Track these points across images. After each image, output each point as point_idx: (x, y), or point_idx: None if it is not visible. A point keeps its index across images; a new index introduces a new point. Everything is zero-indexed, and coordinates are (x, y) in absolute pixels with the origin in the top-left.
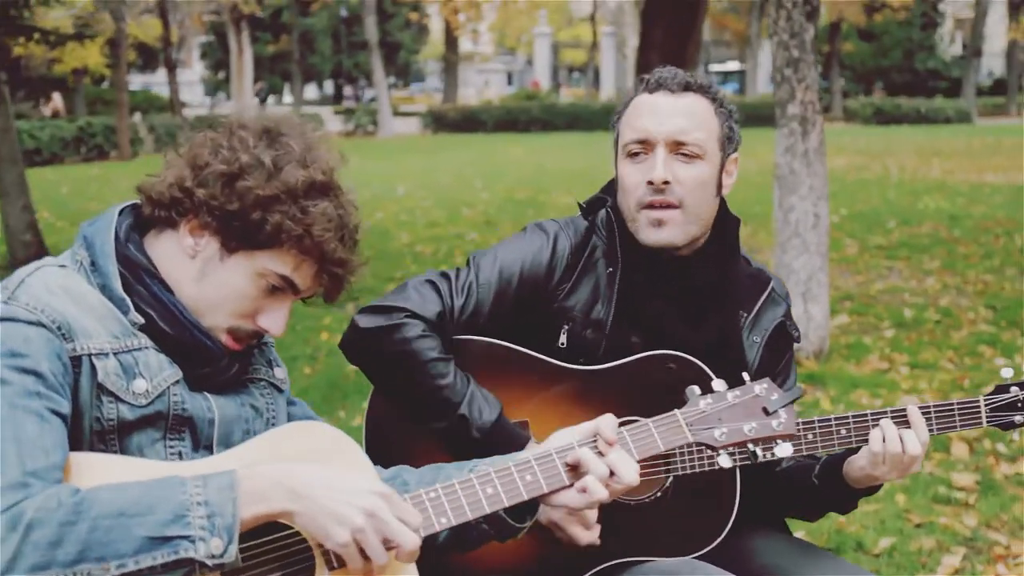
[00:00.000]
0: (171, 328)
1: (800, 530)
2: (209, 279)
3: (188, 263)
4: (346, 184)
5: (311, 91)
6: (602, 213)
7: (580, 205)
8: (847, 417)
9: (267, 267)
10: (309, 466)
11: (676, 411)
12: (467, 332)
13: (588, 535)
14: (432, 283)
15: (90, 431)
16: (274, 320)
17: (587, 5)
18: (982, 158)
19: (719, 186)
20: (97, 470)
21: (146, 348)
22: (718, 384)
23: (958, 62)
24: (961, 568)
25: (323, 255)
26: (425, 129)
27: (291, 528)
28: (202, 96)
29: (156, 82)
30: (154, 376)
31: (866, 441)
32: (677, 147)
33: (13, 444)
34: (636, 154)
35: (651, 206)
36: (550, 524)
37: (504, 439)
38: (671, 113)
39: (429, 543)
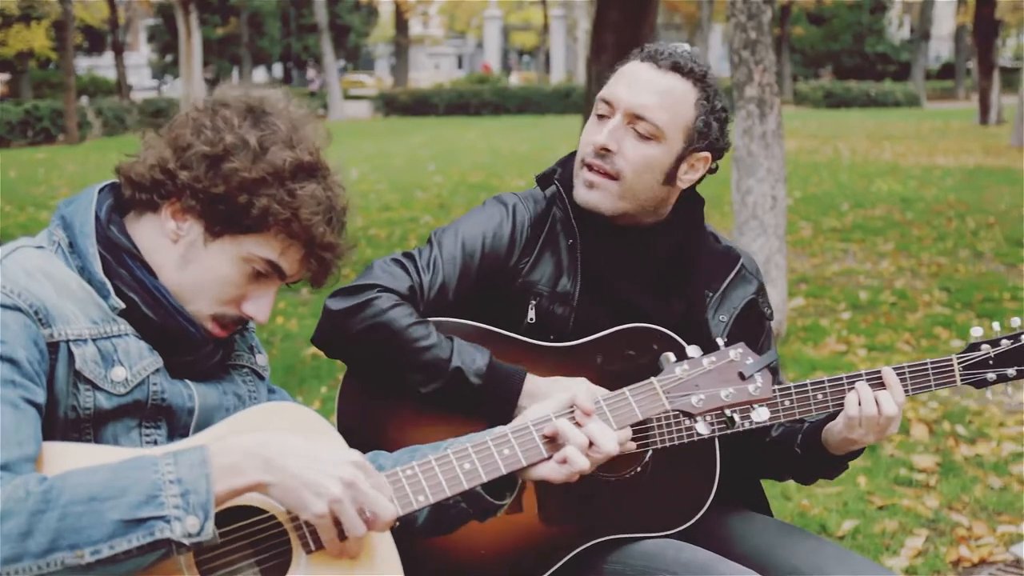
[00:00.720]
0: (154, 313)
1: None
2: (192, 264)
3: (170, 247)
4: (333, 164)
5: (260, 74)
6: (555, 186)
7: (536, 177)
8: (823, 382)
9: (253, 252)
10: (282, 435)
11: (653, 379)
12: (436, 310)
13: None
14: (398, 261)
15: (64, 419)
16: (259, 306)
17: None
18: (932, 141)
19: (670, 174)
20: (70, 460)
21: (126, 335)
22: (692, 350)
23: (907, 46)
24: (924, 550)
25: (311, 239)
26: (376, 112)
27: (265, 512)
28: (149, 79)
29: (103, 65)
30: (133, 364)
31: (843, 405)
32: (634, 120)
33: None
34: (601, 114)
35: (590, 167)
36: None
37: (503, 379)
38: (645, 86)
39: (407, 527)
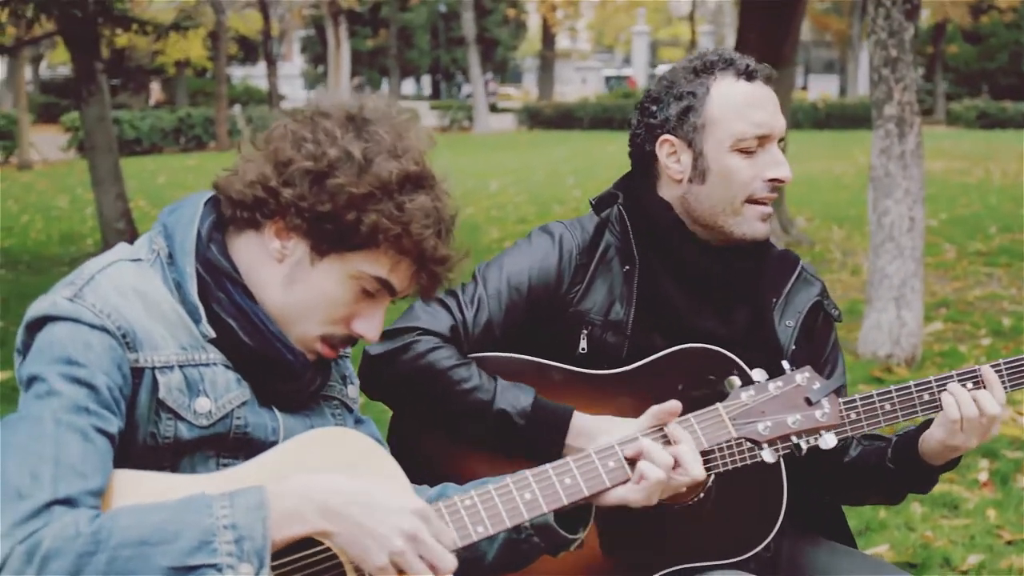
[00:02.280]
0: (252, 340)
1: (885, 544)
2: (299, 284)
3: (274, 267)
4: (439, 171)
5: (408, 86)
6: (614, 210)
7: (591, 202)
8: (890, 391)
9: (362, 270)
10: (344, 479)
11: (718, 405)
12: (482, 347)
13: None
14: (440, 301)
15: (143, 444)
16: (370, 325)
17: (686, 4)
18: None
19: None
20: (143, 489)
21: (214, 364)
22: (758, 374)
23: None
24: None
25: (422, 253)
26: (520, 125)
27: (322, 544)
28: (302, 89)
29: (256, 75)
30: (220, 396)
31: (912, 415)
32: (779, 142)
33: (50, 464)
34: (748, 151)
35: (762, 201)
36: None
37: (549, 418)
38: (775, 104)
39: (477, 562)
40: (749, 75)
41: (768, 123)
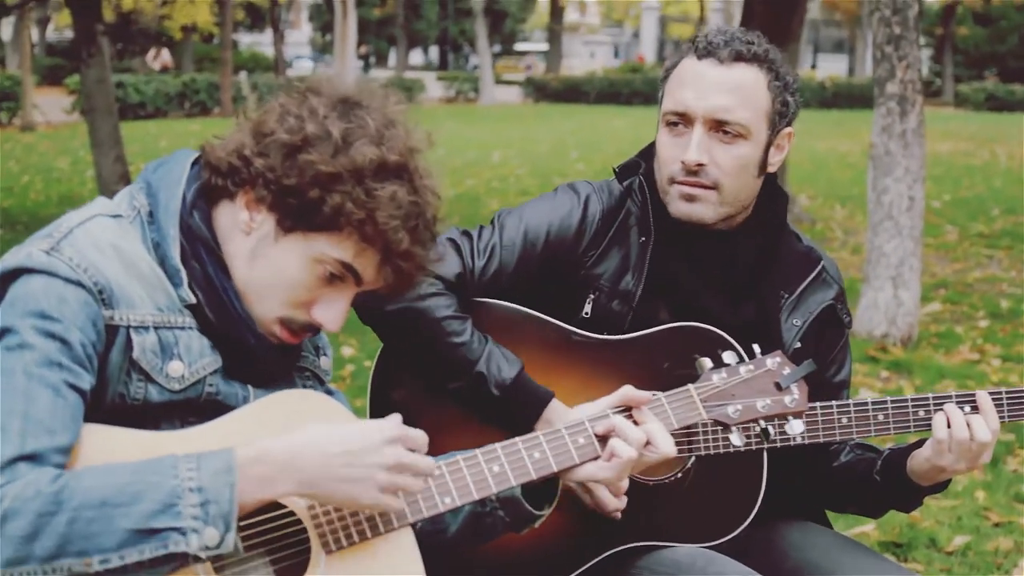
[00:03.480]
0: (216, 318)
1: (869, 524)
2: (262, 260)
3: (243, 239)
4: (430, 168)
5: (416, 57)
6: (637, 178)
7: (614, 169)
8: (885, 402)
9: (325, 252)
10: (311, 434)
11: (690, 385)
12: (487, 294)
13: (615, 502)
14: (453, 242)
15: (110, 403)
16: (330, 313)
17: None
18: None
19: (763, 165)
20: (113, 444)
21: (190, 328)
22: (729, 356)
23: None
24: None
25: (387, 245)
26: (526, 98)
27: (284, 508)
28: (308, 59)
29: (264, 42)
30: (193, 361)
31: (905, 429)
32: (718, 126)
33: (18, 419)
34: (674, 124)
35: (683, 183)
36: (577, 486)
37: (525, 397)
38: (716, 87)
39: (439, 535)
40: (701, 53)
41: (688, 102)
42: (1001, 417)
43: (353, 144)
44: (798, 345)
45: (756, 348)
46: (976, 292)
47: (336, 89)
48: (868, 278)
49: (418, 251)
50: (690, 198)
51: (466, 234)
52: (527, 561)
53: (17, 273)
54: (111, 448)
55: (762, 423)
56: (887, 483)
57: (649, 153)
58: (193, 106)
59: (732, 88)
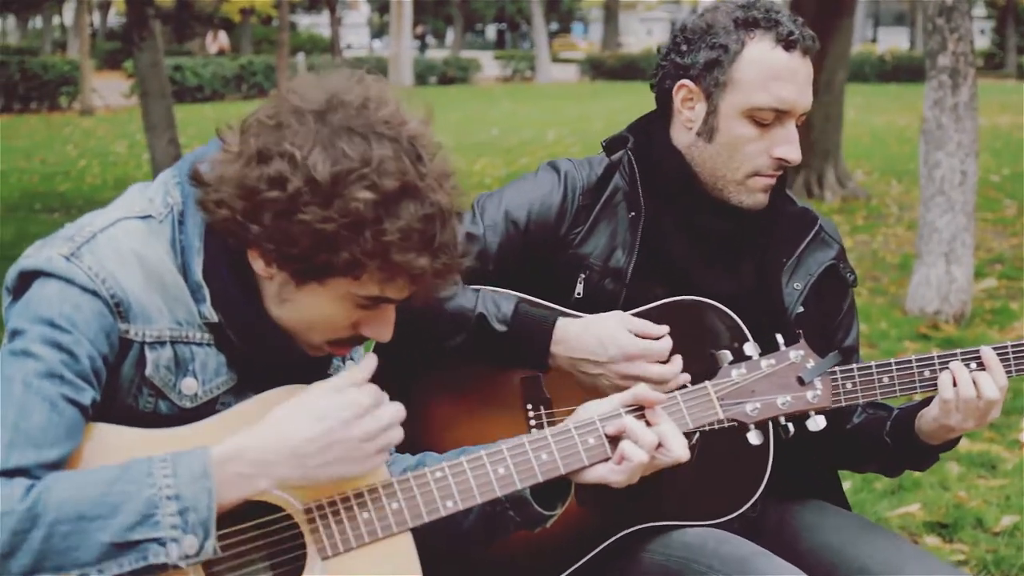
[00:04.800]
0: (240, 339)
1: (915, 504)
2: (289, 304)
3: (265, 282)
4: (431, 145)
5: (473, 36)
6: (624, 153)
7: (602, 144)
8: (889, 364)
9: (350, 291)
10: (282, 424)
11: (707, 383)
12: (473, 280)
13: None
14: None
15: (120, 408)
16: (378, 328)
17: None
18: None
19: None
20: (124, 441)
21: (207, 345)
22: (751, 348)
23: None
24: None
25: (412, 273)
26: (583, 76)
27: (281, 511)
28: (368, 38)
29: (322, 23)
30: (208, 380)
31: (911, 390)
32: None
33: (8, 430)
34: (763, 124)
35: (768, 175)
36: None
37: (531, 324)
38: (807, 81)
39: (452, 531)
40: (788, 43)
41: (791, 100)
42: (1008, 372)
43: (345, 188)
44: (800, 309)
45: (779, 339)
46: None
47: (308, 102)
48: (920, 254)
49: (446, 261)
50: (767, 189)
51: None
52: (530, 549)
53: (36, 274)
54: (112, 446)
55: (782, 420)
56: (897, 444)
57: (642, 126)
58: (250, 88)
59: (810, 80)
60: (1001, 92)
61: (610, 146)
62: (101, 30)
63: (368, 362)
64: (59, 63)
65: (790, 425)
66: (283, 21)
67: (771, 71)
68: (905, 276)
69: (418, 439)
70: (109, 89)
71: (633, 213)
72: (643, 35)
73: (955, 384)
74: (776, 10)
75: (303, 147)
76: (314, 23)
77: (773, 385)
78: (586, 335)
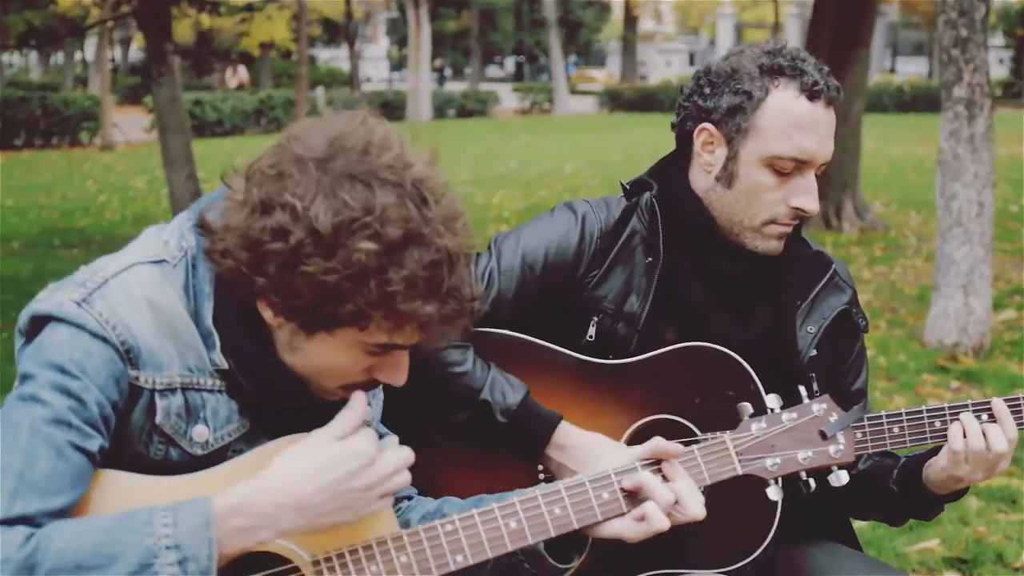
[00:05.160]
0: (252, 385)
1: (935, 538)
2: (300, 352)
3: (277, 330)
4: (437, 186)
5: (492, 69)
6: (646, 197)
7: (623, 186)
8: (900, 414)
9: (359, 339)
10: (285, 475)
11: (726, 436)
12: (488, 323)
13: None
14: None
15: (130, 454)
16: (391, 373)
17: None
18: None
19: None
20: (104, 485)
21: (218, 392)
22: (772, 401)
23: None
24: None
25: (420, 321)
26: (601, 108)
27: (286, 562)
28: (387, 71)
29: (341, 57)
30: (219, 427)
31: (921, 441)
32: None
33: (12, 478)
34: (783, 173)
35: (784, 224)
36: None
37: (532, 422)
38: (828, 132)
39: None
40: (813, 93)
41: (812, 150)
42: (1020, 424)
43: (348, 239)
44: (813, 353)
45: (803, 391)
46: None
47: (310, 149)
48: (938, 286)
49: (454, 307)
50: (782, 236)
51: None
52: None
53: (47, 319)
54: (120, 492)
55: (803, 475)
56: (904, 493)
57: (662, 174)
58: (270, 122)
59: (832, 130)
60: (1020, 122)
61: (631, 190)
62: (122, 65)
63: (358, 401)
64: (80, 98)
65: (811, 481)
66: (302, 55)
67: (794, 120)
68: (923, 308)
69: (429, 480)
70: (130, 124)
71: (651, 258)
72: (662, 66)
73: (965, 436)
74: (802, 58)
75: (304, 197)
76: (333, 57)
77: (794, 439)
78: (585, 451)
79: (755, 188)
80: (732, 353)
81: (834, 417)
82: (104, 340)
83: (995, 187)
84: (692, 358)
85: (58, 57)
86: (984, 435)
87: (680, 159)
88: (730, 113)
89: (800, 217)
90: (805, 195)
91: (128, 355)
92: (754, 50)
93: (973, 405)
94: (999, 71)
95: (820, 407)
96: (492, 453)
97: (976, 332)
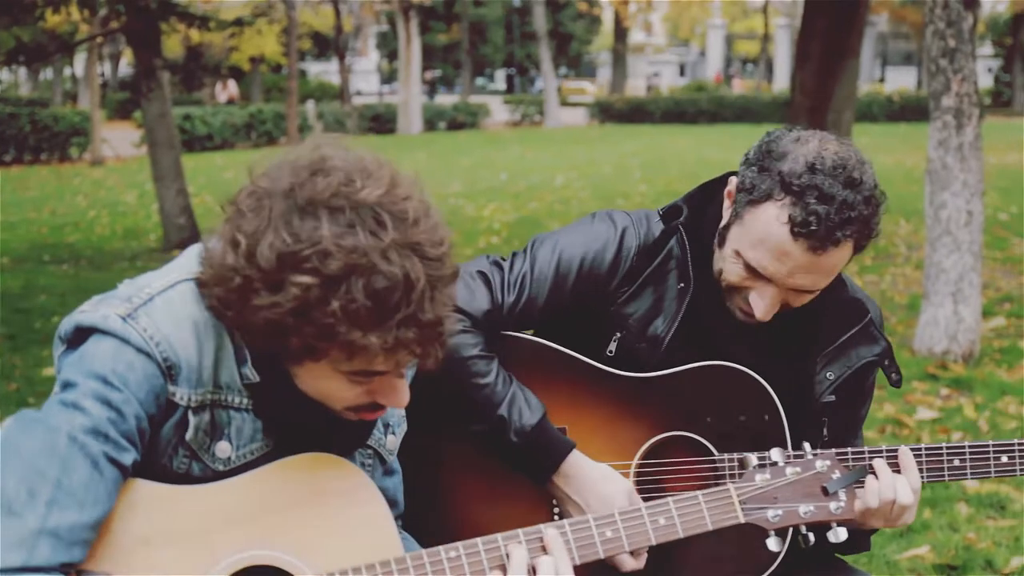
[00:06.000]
0: (276, 400)
1: (926, 545)
2: (299, 379)
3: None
4: (406, 210)
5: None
6: (679, 223)
7: (658, 212)
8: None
9: (336, 367)
10: None
11: (730, 486)
12: (518, 326)
13: (633, 563)
14: (484, 275)
15: (155, 465)
16: (389, 397)
17: None
18: None
19: None
20: (163, 500)
21: (245, 410)
22: (777, 454)
23: None
24: None
25: (382, 351)
26: (592, 119)
27: None
28: (378, 84)
29: (332, 70)
30: (242, 445)
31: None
32: (796, 291)
33: (50, 486)
34: (748, 268)
35: (743, 306)
36: None
37: (544, 445)
38: (805, 270)
39: None
40: (795, 232)
41: (772, 273)
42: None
43: (290, 274)
44: (831, 398)
45: (807, 446)
46: None
47: (271, 182)
48: (928, 294)
49: (410, 329)
50: (749, 316)
51: (497, 264)
52: None
53: (92, 331)
54: (138, 500)
55: (803, 529)
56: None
57: (697, 201)
58: (260, 136)
59: (820, 271)
60: (1009, 131)
61: (666, 216)
62: (112, 81)
63: None
64: (70, 114)
65: (811, 535)
66: (292, 69)
67: (765, 237)
68: (914, 316)
69: (433, 501)
70: (120, 139)
71: (682, 284)
72: (652, 77)
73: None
74: (829, 196)
75: (255, 234)
76: (324, 70)
77: (796, 493)
78: (592, 485)
79: (726, 261)
80: (757, 376)
81: (837, 475)
82: (147, 355)
83: (984, 196)
84: (716, 377)
85: (47, 73)
86: (893, 486)
87: (715, 191)
88: (742, 187)
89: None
90: (756, 298)
91: (170, 371)
92: (808, 150)
93: (887, 451)
94: (988, 80)
95: (823, 463)
96: (509, 485)
97: (966, 340)
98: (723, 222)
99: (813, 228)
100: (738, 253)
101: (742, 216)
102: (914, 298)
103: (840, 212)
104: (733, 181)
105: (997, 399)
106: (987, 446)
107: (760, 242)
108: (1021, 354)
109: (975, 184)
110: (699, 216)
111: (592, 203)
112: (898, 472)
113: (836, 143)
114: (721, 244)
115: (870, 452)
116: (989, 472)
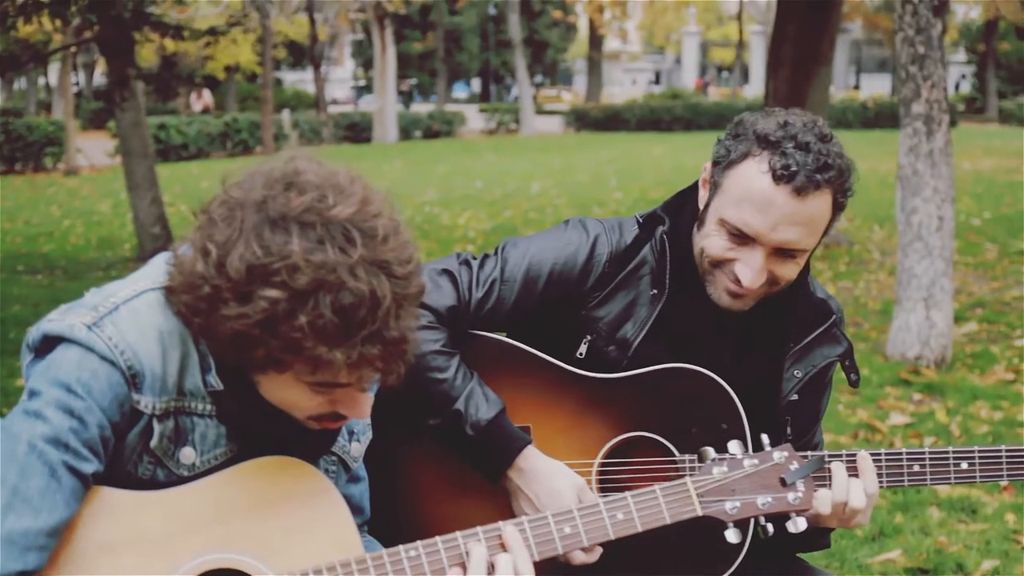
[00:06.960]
0: (240, 407)
1: (897, 549)
2: (261, 387)
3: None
4: (375, 225)
5: (459, 89)
6: (659, 231)
7: (637, 219)
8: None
9: (299, 378)
10: None
11: (687, 479)
12: (484, 326)
13: (584, 556)
14: (450, 273)
15: (119, 471)
16: (351, 408)
17: (736, 3)
18: None
19: (808, 261)
20: (128, 507)
21: (208, 416)
22: (734, 447)
23: None
24: None
25: (336, 364)
26: (567, 127)
27: None
28: (353, 93)
29: (307, 79)
30: (206, 451)
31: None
32: (782, 251)
33: (7, 492)
34: (733, 235)
35: (734, 283)
36: None
37: (501, 440)
38: (790, 220)
39: None
40: (777, 175)
41: (756, 229)
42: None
43: (258, 287)
44: (795, 397)
45: (765, 439)
46: (1014, 311)
47: (244, 192)
48: (900, 300)
49: (375, 345)
50: (736, 296)
51: (466, 263)
52: None
53: (58, 340)
54: (105, 507)
55: (761, 520)
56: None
57: (675, 208)
58: (235, 145)
59: (806, 221)
60: (983, 136)
61: (645, 223)
62: (86, 90)
63: None
64: (44, 124)
65: (769, 526)
66: (267, 78)
67: (747, 193)
68: (887, 322)
69: (399, 504)
70: (94, 149)
71: (655, 291)
72: (628, 85)
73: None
74: (804, 143)
75: (225, 244)
76: (299, 79)
77: (754, 484)
78: (542, 480)
79: (711, 246)
80: (719, 379)
81: (794, 465)
82: (112, 363)
83: (958, 201)
84: (679, 380)
85: (21, 82)
86: (847, 488)
87: (692, 193)
88: (717, 162)
89: (739, 284)
90: (742, 267)
91: (134, 380)
92: (778, 116)
93: (847, 455)
94: (964, 85)
95: (781, 455)
96: (474, 484)
97: (938, 345)
98: (701, 205)
99: (794, 170)
100: (722, 221)
101: (721, 184)
102: (887, 304)
103: (817, 159)
104: (707, 167)
105: (969, 404)
106: (947, 452)
107: (743, 198)
108: (993, 359)
109: (945, 190)
110: (676, 222)
111: (568, 211)
112: (855, 476)
113: (803, 114)
114: (701, 225)
115: (830, 455)
116: (949, 478)
